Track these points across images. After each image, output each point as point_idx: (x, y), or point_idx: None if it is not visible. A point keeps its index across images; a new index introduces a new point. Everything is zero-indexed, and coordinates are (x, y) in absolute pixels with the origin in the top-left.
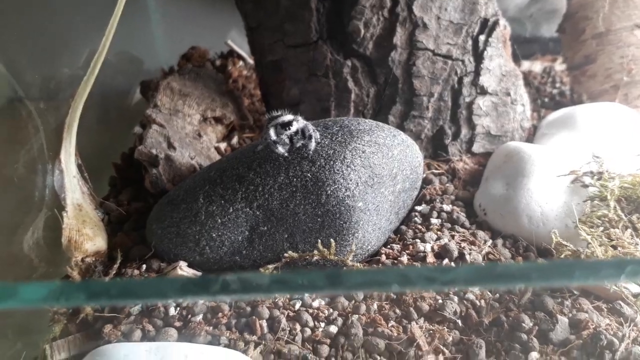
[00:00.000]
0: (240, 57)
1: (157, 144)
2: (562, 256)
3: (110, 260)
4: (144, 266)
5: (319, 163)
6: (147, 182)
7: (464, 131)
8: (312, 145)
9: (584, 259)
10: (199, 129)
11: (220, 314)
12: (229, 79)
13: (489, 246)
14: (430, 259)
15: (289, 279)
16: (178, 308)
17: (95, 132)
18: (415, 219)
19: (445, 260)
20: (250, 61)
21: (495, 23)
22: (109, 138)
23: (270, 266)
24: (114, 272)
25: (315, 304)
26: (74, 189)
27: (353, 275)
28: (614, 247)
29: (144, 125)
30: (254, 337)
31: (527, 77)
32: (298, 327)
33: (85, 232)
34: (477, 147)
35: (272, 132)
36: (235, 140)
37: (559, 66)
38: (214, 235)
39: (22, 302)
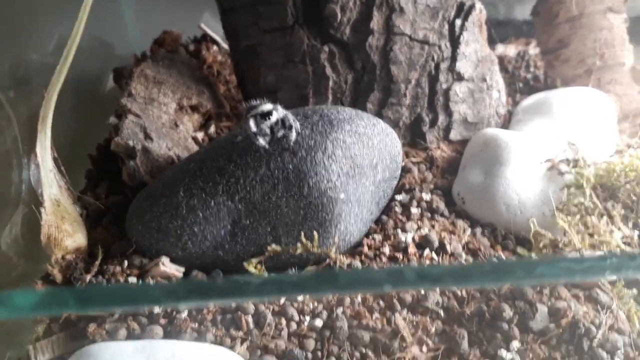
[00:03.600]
0: (214, 42)
1: (134, 135)
2: (541, 245)
3: (91, 256)
4: (126, 262)
5: (300, 154)
6: (124, 175)
7: (441, 118)
8: (293, 135)
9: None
10: (175, 118)
11: (205, 311)
12: (203, 64)
13: (469, 235)
14: (412, 249)
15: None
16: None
17: (68, 121)
18: (396, 208)
19: (427, 251)
20: (225, 46)
21: (471, 7)
22: (82, 127)
23: (254, 260)
24: (96, 269)
25: (300, 297)
26: (51, 183)
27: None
28: (591, 235)
29: (119, 116)
30: (240, 333)
31: (502, 62)
32: (284, 321)
33: (65, 229)
34: (454, 135)
35: (252, 124)
36: (212, 129)
37: (533, 50)
38: (195, 229)
39: (12, 311)
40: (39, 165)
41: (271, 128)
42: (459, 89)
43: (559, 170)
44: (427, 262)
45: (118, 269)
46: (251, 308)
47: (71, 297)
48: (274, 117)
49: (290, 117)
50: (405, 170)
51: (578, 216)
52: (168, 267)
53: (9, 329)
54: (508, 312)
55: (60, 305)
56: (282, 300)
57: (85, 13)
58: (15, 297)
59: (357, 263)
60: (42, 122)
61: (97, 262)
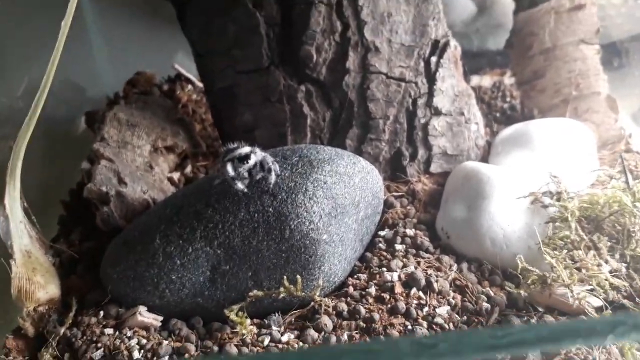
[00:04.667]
0: (188, 81)
1: (107, 181)
2: (529, 282)
3: (65, 307)
4: (101, 313)
5: (280, 197)
6: (98, 220)
7: (421, 152)
8: (272, 178)
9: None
10: (150, 160)
11: (186, 355)
12: (178, 104)
13: (455, 271)
14: (398, 289)
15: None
16: (142, 351)
17: (39, 166)
18: (380, 244)
19: (414, 290)
20: (199, 84)
21: (446, 44)
22: (54, 171)
23: (235, 307)
24: (70, 320)
25: (285, 338)
26: (21, 234)
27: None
28: (578, 270)
29: (92, 161)
30: None
31: (478, 92)
32: None
33: (37, 280)
34: (434, 167)
35: (229, 168)
36: (188, 169)
37: (508, 80)
38: (173, 277)
39: None
40: (7, 217)
41: (249, 171)
42: (437, 123)
43: (542, 203)
44: (415, 301)
45: (94, 320)
46: (234, 350)
47: None
48: (252, 160)
49: (269, 160)
50: (387, 204)
51: (565, 250)
52: (146, 316)
53: None
54: None
55: None
56: (266, 342)
57: (55, 63)
58: None
59: (342, 305)
60: (11, 174)
61: (72, 314)
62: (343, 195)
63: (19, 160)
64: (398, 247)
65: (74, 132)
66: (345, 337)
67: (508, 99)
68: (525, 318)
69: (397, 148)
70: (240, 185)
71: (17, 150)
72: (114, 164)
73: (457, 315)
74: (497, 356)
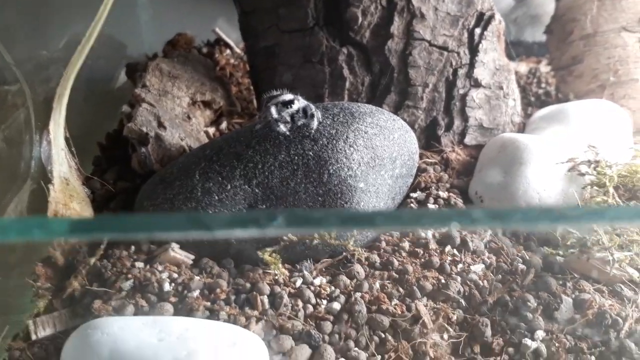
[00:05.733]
0: (227, 46)
1: (147, 123)
2: (568, 243)
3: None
4: (132, 247)
5: (321, 142)
6: (134, 162)
7: (457, 123)
8: (315, 123)
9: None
10: (188, 112)
11: (218, 290)
12: (216, 66)
13: (490, 234)
14: (433, 245)
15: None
16: (173, 284)
17: (78, 113)
18: (411, 205)
19: (448, 247)
20: (238, 50)
21: (491, 17)
22: (91, 120)
23: (269, 249)
24: (101, 252)
25: (317, 281)
26: (61, 161)
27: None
28: (618, 235)
29: (132, 105)
30: (255, 313)
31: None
32: (300, 303)
33: (73, 207)
34: (469, 139)
35: (273, 111)
36: (224, 125)
37: (544, 68)
38: (210, 212)
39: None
40: (50, 142)
41: (292, 116)
42: (476, 95)
43: (579, 170)
44: (449, 258)
45: (124, 253)
46: (267, 289)
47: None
48: (295, 106)
49: (312, 107)
50: (420, 170)
51: None
52: (178, 253)
53: (6, 308)
54: (532, 302)
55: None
56: (298, 283)
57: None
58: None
59: (375, 257)
60: (58, 100)
61: (102, 246)
62: (382, 148)
63: (67, 88)
64: (431, 207)
65: (112, 85)
66: (377, 285)
67: (543, 85)
68: (561, 281)
69: (434, 117)
70: (282, 128)
71: (67, 77)
72: (154, 108)
73: (491, 274)
74: None
